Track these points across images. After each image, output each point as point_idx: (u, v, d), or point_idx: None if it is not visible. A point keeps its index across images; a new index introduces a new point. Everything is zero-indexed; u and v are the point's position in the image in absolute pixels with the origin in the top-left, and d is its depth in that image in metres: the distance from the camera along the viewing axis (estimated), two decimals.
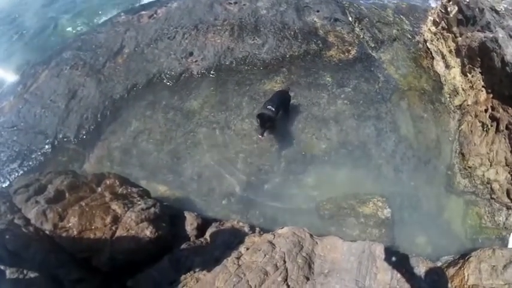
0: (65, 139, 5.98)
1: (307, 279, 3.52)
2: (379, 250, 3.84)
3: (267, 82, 6.20)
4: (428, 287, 3.78)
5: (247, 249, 3.82)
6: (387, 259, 3.78)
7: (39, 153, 5.87)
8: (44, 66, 7.06)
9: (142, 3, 7.99)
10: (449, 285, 4.28)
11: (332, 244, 3.93)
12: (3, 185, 5.48)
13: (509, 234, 6.38)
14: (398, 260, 3.87)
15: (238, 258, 3.66)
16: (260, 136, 5.41)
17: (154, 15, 7.36)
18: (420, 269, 3.92)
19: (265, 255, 3.62)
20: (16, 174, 5.62)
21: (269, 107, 5.27)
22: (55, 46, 8.03)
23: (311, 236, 4.01)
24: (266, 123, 5.25)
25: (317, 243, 3.95)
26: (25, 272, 3.19)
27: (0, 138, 6.02)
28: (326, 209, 5.22)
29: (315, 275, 3.62)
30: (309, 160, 5.47)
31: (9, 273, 3.11)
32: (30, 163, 5.77)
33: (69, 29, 9.02)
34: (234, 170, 5.39)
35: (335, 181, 5.38)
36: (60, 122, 6.11)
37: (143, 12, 7.55)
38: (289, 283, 3.40)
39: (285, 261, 3.58)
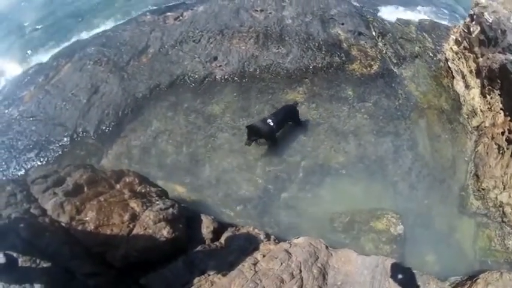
0: (84, 133, 6.10)
1: None
2: (392, 266, 3.92)
3: (289, 92, 6.30)
4: None
5: (264, 256, 3.89)
6: (399, 275, 3.87)
7: (57, 145, 5.98)
8: (67, 59, 7.21)
9: (168, 4, 8.09)
10: None
11: (346, 257, 4.00)
12: (18, 173, 5.60)
13: None
14: (410, 277, 3.94)
15: (254, 264, 3.72)
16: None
17: (180, 17, 7.51)
18: (430, 287, 3.99)
19: (281, 263, 3.68)
20: (32, 163, 5.74)
21: (269, 120, 5.40)
22: (77, 41, 8.15)
23: (326, 247, 4.08)
24: (252, 135, 5.36)
25: (332, 255, 4.02)
26: (38, 261, 3.20)
27: (19, 127, 6.14)
28: (340, 221, 5.30)
29: (329, 286, 3.70)
30: (326, 172, 5.56)
31: (22, 261, 3.13)
32: (48, 154, 5.87)
33: (92, 25, 9.14)
34: (252, 176, 5.50)
35: (350, 194, 5.46)
36: (81, 116, 6.24)
37: (169, 14, 7.70)
38: None
39: (300, 271, 3.64)
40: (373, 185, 5.59)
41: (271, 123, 5.39)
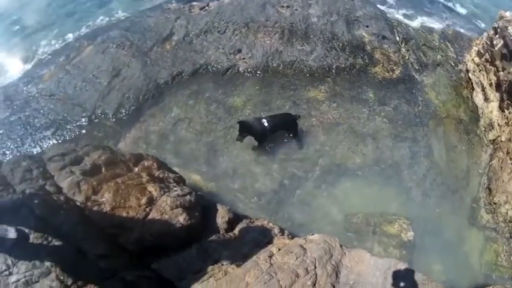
0: (103, 115, 6.12)
1: (334, 286, 3.64)
2: (403, 270, 3.96)
3: (311, 89, 6.33)
4: None
5: (279, 250, 3.93)
6: (410, 280, 3.91)
7: (75, 125, 5.99)
8: (90, 41, 7.22)
9: None
10: None
11: (359, 257, 4.03)
12: (33, 150, 5.60)
13: None
14: (421, 282, 3.98)
15: (270, 257, 3.74)
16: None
17: (206, 7, 7.51)
18: None
19: (297, 258, 3.71)
20: (48, 142, 5.76)
21: (263, 120, 5.43)
22: (100, 23, 8.19)
23: (341, 246, 4.12)
24: (244, 131, 5.38)
25: (345, 253, 4.05)
26: (50, 239, 3.16)
27: (36, 105, 6.13)
28: (352, 222, 5.35)
29: (341, 284, 3.73)
30: (342, 172, 5.61)
31: (34, 237, 3.09)
32: (64, 133, 5.89)
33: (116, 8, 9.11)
34: (269, 170, 5.54)
35: (365, 196, 5.51)
36: (100, 98, 6.25)
37: (195, 3, 7.71)
38: None
39: (315, 267, 3.67)
40: (388, 189, 5.63)
41: (265, 124, 5.41)
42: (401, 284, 3.86)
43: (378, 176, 5.66)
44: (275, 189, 5.41)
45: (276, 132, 5.74)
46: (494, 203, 6.33)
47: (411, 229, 5.44)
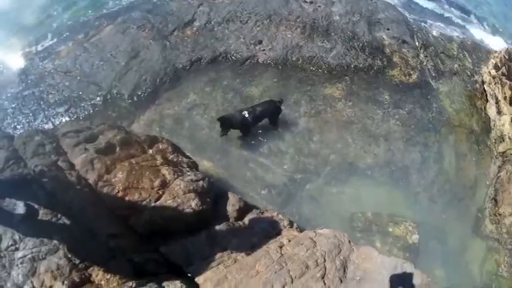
0: (118, 95, 6.12)
1: (341, 281, 3.70)
2: (410, 269, 4.00)
3: (328, 86, 6.37)
4: None
5: (289, 241, 3.98)
6: (416, 280, 3.97)
7: (89, 103, 5.97)
8: (110, 20, 7.18)
9: None
10: None
11: (367, 254, 4.07)
12: (45, 126, 5.57)
13: None
14: (426, 283, 4.04)
15: (280, 247, 3.79)
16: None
17: None
18: None
19: (307, 249, 3.76)
20: (61, 118, 5.74)
21: (244, 112, 5.44)
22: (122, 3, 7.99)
23: (349, 242, 4.18)
24: (226, 126, 5.42)
25: (353, 250, 4.08)
26: (59, 216, 3.09)
27: (51, 81, 6.11)
28: (360, 221, 5.41)
29: (347, 279, 3.78)
30: (353, 170, 5.66)
31: (43, 213, 3.02)
32: (78, 111, 5.87)
33: None
34: (281, 163, 5.59)
35: (373, 196, 5.56)
36: (117, 78, 6.24)
37: None
38: (326, 281, 3.54)
39: (325, 260, 3.72)
40: (396, 191, 5.69)
41: (246, 115, 5.43)
42: (406, 284, 3.93)
43: (388, 177, 5.72)
44: (285, 183, 5.46)
45: (261, 121, 5.76)
46: (499, 214, 6.38)
47: (417, 232, 5.52)
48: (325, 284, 3.53)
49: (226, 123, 5.39)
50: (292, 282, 3.42)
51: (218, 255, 3.57)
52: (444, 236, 5.71)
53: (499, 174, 6.83)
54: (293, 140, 5.80)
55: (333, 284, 3.55)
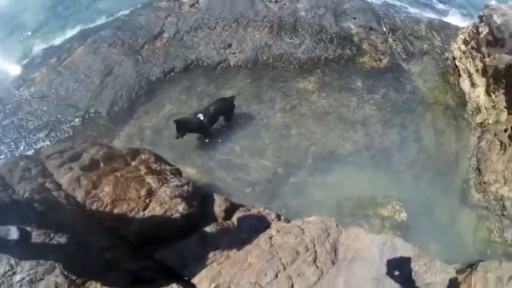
0: (96, 114, 6.20)
1: (333, 263, 3.75)
2: (399, 244, 4.03)
3: (301, 81, 6.48)
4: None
5: (278, 231, 4.06)
6: (407, 253, 4.03)
7: (68, 125, 6.04)
8: (81, 41, 7.28)
9: None
10: None
11: (356, 234, 4.12)
12: (28, 153, 5.50)
13: None
14: (417, 255, 4.08)
15: (270, 238, 3.89)
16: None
17: (196, 4, 7.64)
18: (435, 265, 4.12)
19: (296, 237, 3.85)
20: (42, 144, 5.77)
21: (199, 115, 5.52)
22: (91, 23, 8.21)
23: (337, 225, 4.25)
24: (181, 130, 5.47)
25: (342, 232, 4.15)
26: (52, 235, 3.18)
27: (29, 108, 6.17)
28: (346, 206, 5.49)
29: (339, 260, 3.83)
30: (334, 159, 5.75)
31: (36, 235, 3.10)
32: (58, 134, 5.94)
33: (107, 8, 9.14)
34: (262, 161, 5.67)
35: (357, 181, 5.65)
36: (93, 97, 6.33)
37: (185, 0, 7.81)
38: (318, 264, 3.65)
39: (314, 245, 3.81)
40: (379, 173, 5.79)
41: (202, 118, 5.51)
42: (398, 257, 4.00)
43: (369, 161, 5.81)
44: (269, 179, 5.53)
45: (217, 120, 5.84)
46: (484, 183, 6.51)
47: (404, 210, 5.60)
48: (317, 267, 3.63)
49: (181, 126, 5.45)
50: (284, 269, 3.52)
51: (211, 254, 3.67)
52: (432, 211, 5.80)
53: (479, 145, 6.97)
54: (271, 136, 5.88)
55: (326, 266, 3.66)
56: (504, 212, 6.53)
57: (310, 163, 5.67)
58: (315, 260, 3.66)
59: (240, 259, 3.61)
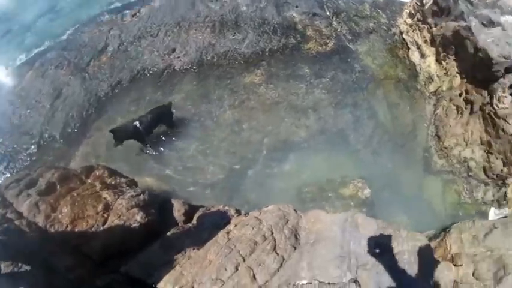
0: (50, 138, 6.13)
1: (295, 248, 3.70)
2: (361, 219, 3.99)
3: (247, 75, 6.44)
4: (422, 261, 3.91)
5: (236, 225, 4.01)
6: (370, 227, 3.99)
7: (25, 154, 6.00)
8: (29, 66, 7.22)
9: (126, 2, 8.12)
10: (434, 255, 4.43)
11: (316, 217, 4.08)
12: None
13: (489, 208, 6.51)
14: (381, 226, 4.04)
15: (227, 233, 3.85)
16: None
17: (138, 13, 7.59)
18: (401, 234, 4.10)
19: (253, 228, 3.80)
20: (2, 176, 5.71)
21: (136, 123, 5.50)
22: (38, 47, 8.04)
23: (295, 211, 4.19)
24: (118, 138, 5.47)
25: (301, 217, 4.12)
26: (20, 264, 3.20)
27: None
28: (307, 192, 5.45)
29: (302, 244, 3.79)
30: (289, 147, 5.71)
31: (4, 266, 3.11)
32: (17, 164, 5.90)
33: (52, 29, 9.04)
34: (217, 160, 5.61)
35: (315, 166, 5.61)
36: (46, 122, 6.28)
37: (126, 11, 7.78)
38: (278, 251, 3.60)
39: (272, 233, 3.77)
40: (336, 155, 5.77)
41: (138, 125, 5.49)
42: (361, 232, 3.96)
43: (325, 144, 5.78)
44: (226, 177, 5.49)
45: (155, 127, 5.82)
46: (446, 148, 6.59)
47: (367, 187, 5.59)
48: (277, 254, 3.59)
49: (117, 134, 5.43)
50: (244, 260, 3.49)
51: (174, 258, 3.68)
52: (397, 183, 5.82)
53: (436, 112, 7.04)
54: (224, 134, 5.82)
55: (286, 252, 3.62)
56: (470, 173, 6.62)
57: (266, 155, 5.63)
58: (274, 248, 3.62)
59: (200, 257, 3.60)
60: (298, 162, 5.61)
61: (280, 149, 5.67)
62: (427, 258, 3.94)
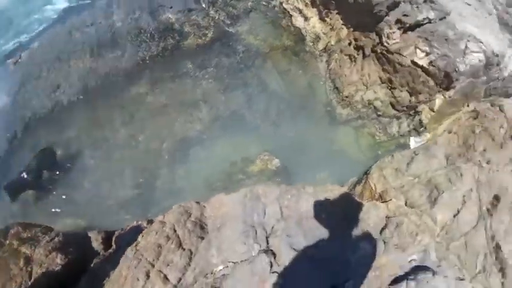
0: None
1: (202, 238, 3.79)
2: (261, 189, 4.11)
3: (132, 88, 6.45)
4: (341, 209, 4.04)
5: (143, 235, 4.06)
6: (272, 195, 4.03)
7: None
8: None
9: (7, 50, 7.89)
10: (361, 200, 4.57)
11: (219, 201, 4.17)
12: None
13: (409, 139, 6.72)
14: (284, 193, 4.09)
15: (135, 245, 3.91)
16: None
17: (19, 60, 7.41)
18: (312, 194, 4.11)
19: (156, 232, 3.88)
20: None
21: (22, 174, 5.56)
22: None
23: (197, 202, 4.25)
24: (14, 193, 5.56)
25: (205, 206, 4.21)
26: None
27: None
28: (217, 180, 5.53)
29: (210, 232, 3.87)
30: (188, 145, 5.77)
31: None
32: None
33: None
34: (122, 179, 5.61)
35: (218, 154, 5.70)
36: None
37: (8, 61, 7.56)
38: (184, 246, 3.69)
39: (175, 231, 3.85)
40: (236, 137, 5.87)
41: (25, 176, 5.55)
42: (263, 201, 4.05)
43: (222, 130, 5.89)
44: (136, 193, 5.50)
45: (45, 169, 5.83)
46: (347, 97, 6.79)
47: (274, 157, 5.74)
48: (184, 249, 3.67)
49: (11, 189, 5.50)
50: (153, 266, 3.57)
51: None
52: (306, 145, 5.95)
53: (329, 67, 7.31)
54: (122, 152, 5.83)
55: (193, 244, 3.71)
56: (378, 113, 6.84)
57: (167, 159, 5.67)
58: (180, 244, 3.71)
59: (116, 276, 3.67)
60: (201, 156, 5.68)
61: (180, 149, 5.73)
62: (346, 206, 4.09)
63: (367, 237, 3.86)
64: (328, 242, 3.69)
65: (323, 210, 3.93)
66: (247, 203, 3.98)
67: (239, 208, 3.96)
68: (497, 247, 4.21)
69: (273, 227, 3.81)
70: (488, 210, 4.50)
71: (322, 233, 3.71)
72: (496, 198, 4.59)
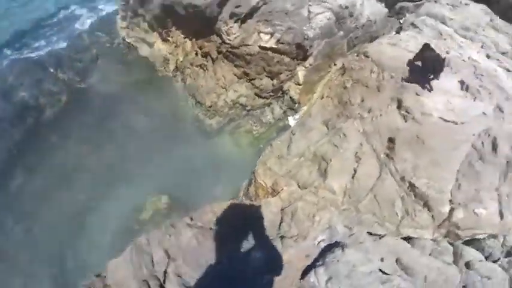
0: None
1: None
2: (144, 239, 4.12)
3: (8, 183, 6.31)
4: (238, 221, 3.95)
5: None
6: (156, 240, 4.02)
7: None
8: None
9: None
10: (257, 201, 4.70)
11: (114, 266, 4.04)
12: None
13: (287, 119, 7.47)
14: None
15: None
16: None
17: None
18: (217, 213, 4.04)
19: None
20: None
21: None
22: None
23: (98, 275, 4.11)
24: None
25: (105, 276, 4.06)
26: None
27: None
28: (119, 240, 5.54)
29: None
30: (79, 217, 5.91)
31: None
32: None
33: None
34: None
35: (111, 214, 5.90)
36: None
37: None
38: None
39: None
40: (120, 190, 6.05)
41: None
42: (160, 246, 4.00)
43: (107, 189, 6.07)
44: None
45: None
46: (210, 106, 7.25)
47: (162, 195, 6.07)
48: None
49: None
50: None
51: None
52: (189, 169, 6.37)
53: (186, 84, 7.60)
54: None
55: None
56: (247, 108, 7.43)
57: (67, 235, 5.78)
58: None
59: None
60: (96, 222, 5.87)
61: (74, 223, 5.85)
62: (240, 216, 4.01)
63: (261, 243, 3.72)
64: (217, 264, 3.66)
65: (213, 233, 3.90)
66: (134, 258, 4.04)
67: (129, 266, 4.01)
68: (411, 185, 4.11)
69: (165, 272, 3.84)
70: (387, 155, 4.49)
71: (212, 257, 3.71)
72: (391, 140, 4.56)
